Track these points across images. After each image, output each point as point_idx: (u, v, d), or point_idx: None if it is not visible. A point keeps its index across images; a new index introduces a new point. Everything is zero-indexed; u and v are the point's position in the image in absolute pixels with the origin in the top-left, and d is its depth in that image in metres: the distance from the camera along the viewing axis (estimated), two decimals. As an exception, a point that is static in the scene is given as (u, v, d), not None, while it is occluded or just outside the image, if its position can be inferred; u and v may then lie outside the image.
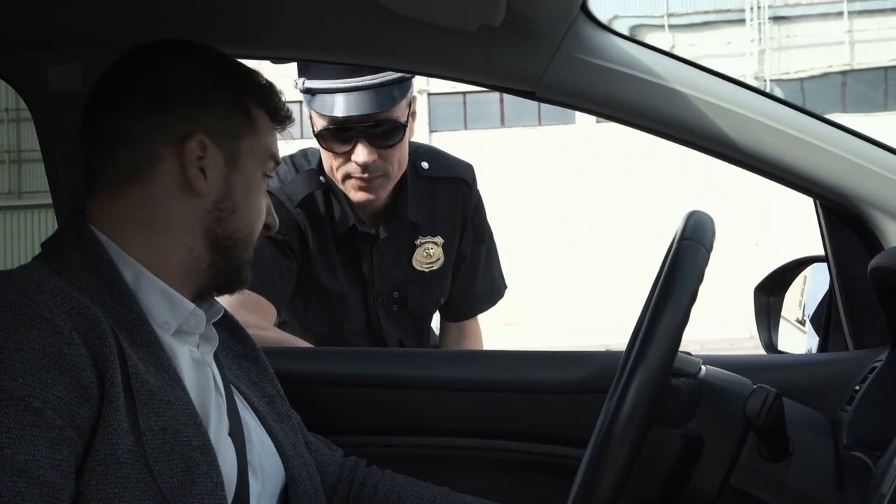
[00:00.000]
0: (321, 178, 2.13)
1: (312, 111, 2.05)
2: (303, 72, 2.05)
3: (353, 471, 1.50)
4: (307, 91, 2.04)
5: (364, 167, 2.03)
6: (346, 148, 2.04)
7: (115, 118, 1.24)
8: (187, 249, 1.25)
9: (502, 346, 2.17)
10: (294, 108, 2.10)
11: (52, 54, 1.64)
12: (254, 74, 1.32)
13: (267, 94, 1.31)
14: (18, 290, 1.11)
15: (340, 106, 2.00)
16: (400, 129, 2.04)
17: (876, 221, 1.51)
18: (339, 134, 2.03)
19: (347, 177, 2.06)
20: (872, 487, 1.09)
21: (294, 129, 1.38)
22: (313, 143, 2.23)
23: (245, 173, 1.29)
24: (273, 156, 1.33)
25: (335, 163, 2.07)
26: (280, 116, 1.33)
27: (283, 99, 1.34)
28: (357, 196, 2.08)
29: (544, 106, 17.71)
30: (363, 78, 1.98)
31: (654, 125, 1.56)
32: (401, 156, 2.08)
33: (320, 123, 2.05)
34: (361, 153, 2.02)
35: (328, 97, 2.01)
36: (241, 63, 1.33)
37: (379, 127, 2.02)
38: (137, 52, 1.29)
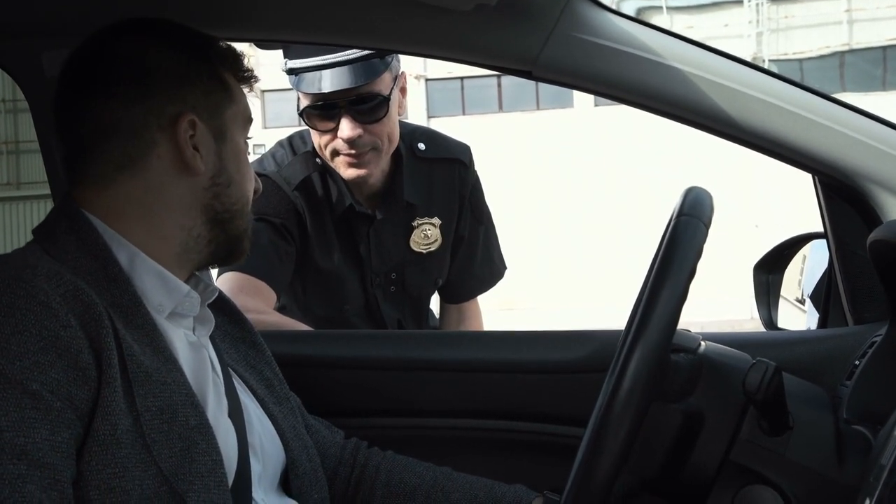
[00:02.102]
0: (318, 159, 2.13)
1: (296, 90, 2.05)
2: (285, 52, 2.05)
3: (355, 453, 1.50)
4: (290, 71, 2.04)
5: (350, 142, 2.03)
6: (331, 125, 2.04)
7: (99, 110, 1.22)
8: (186, 229, 1.25)
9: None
10: (291, 95, 2.11)
11: (46, 41, 1.64)
12: (218, 42, 1.32)
13: (234, 58, 1.31)
14: (13, 273, 1.11)
15: (322, 82, 1.99)
16: (384, 102, 2.03)
17: (875, 196, 1.51)
18: (322, 111, 2.03)
19: (336, 153, 2.06)
20: (872, 459, 1.09)
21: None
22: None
23: (233, 144, 1.29)
24: (250, 119, 1.33)
25: (322, 140, 2.07)
26: (247, 77, 1.33)
27: (244, 58, 1.33)
28: (348, 173, 2.07)
29: (542, 90, 17.74)
30: (344, 53, 1.98)
31: (652, 103, 1.55)
32: (390, 130, 2.08)
33: (304, 102, 2.05)
34: (346, 128, 2.02)
35: (310, 75, 2.01)
36: (205, 34, 1.32)
37: (363, 102, 2.02)
38: (101, 38, 1.27)
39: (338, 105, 2.01)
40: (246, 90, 1.33)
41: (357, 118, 2.02)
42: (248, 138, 1.34)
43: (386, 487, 1.45)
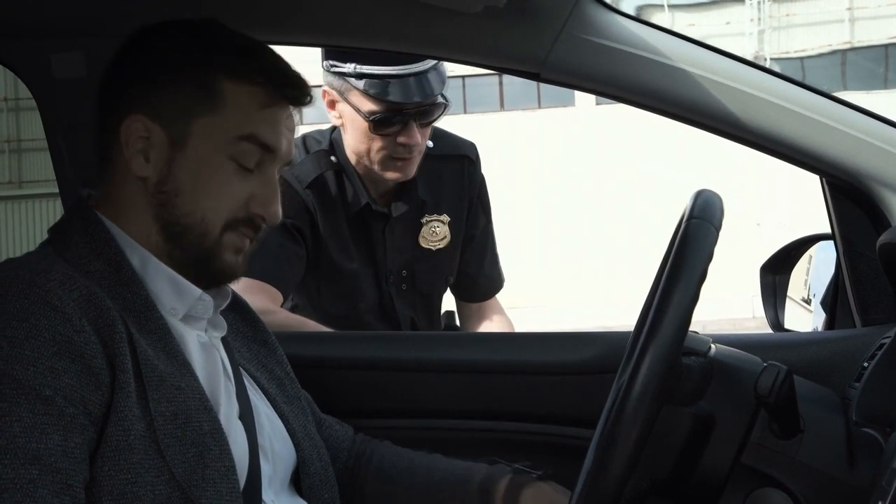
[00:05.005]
0: (332, 157, 2.15)
1: (364, 96, 2.06)
2: (347, 56, 2.07)
3: (362, 445, 1.51)
4: (360, 76, 2.06)
5: (412, 147, 2.08)
6: (394, 130, 2.07)
7: (109, 111, 1.24)
8: (144, 235, 1.23)
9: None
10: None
11: (55, 42, 1.64)
12: (238, 50, 1.24)
13: (250, 70, 1.23)
14: (27, 277, 1.11)
15: (404, 92, 2.04)
16: (442, 107, 2.11)
17: (883, 198, 1.51)
18: (393, 118, 2.07)
19: (389, 157, 2.09)
20: (884, 462, 1.10)
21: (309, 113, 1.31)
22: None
23: (195, 155, 1.21)
24: (249, 136, 1.22)
25: (377, 144, 2.09)
26: (286, 94, 1.25)
27: (292, 74, 1.25)
28: (395, 175, 2.11)
29: (544, 89, 17.70)
30: (416, 65, 2.04)
31: (660, 105, 1.55)
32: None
33: (370, 107, 2.06)
34: (415, 134, 2.07)
35: (384, 83, 2.04)
36: (231, 37, 1.26)
37: (431, 109, 2.09)
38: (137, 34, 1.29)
39: (408, 112, 2.06)
40: (295, 113, 1.27)
41: (420, 124, 2.08)
42: (240, 161, 1.22)
43: (377, 472, 1.46)
